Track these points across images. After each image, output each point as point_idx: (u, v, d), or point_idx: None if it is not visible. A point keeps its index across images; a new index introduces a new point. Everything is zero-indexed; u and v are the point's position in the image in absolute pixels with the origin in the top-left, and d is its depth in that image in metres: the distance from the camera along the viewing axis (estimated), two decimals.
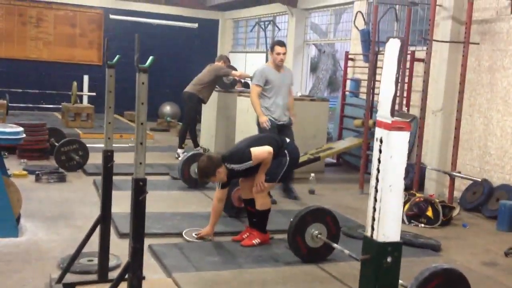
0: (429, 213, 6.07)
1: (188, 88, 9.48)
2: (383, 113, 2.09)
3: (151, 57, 2.81)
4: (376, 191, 2.04)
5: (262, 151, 4.80)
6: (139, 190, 2.84)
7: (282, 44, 6.74)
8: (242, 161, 4.78)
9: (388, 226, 2.07)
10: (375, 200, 2.05)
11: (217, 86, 9.94)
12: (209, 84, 9.44)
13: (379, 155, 2.05)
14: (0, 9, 13.62)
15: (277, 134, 6.86)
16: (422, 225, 6.02)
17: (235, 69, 10.08)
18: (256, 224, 5.01)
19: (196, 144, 9.76)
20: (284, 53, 6.66)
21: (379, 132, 2.06)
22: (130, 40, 14.91)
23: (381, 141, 2.03)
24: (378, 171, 2.05)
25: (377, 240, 2.10)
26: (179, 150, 9.47)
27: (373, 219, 2.03)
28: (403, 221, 6.02)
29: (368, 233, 2.14)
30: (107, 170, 3.65)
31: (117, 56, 3.69)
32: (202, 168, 4.80)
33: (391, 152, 2.00)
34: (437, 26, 7.59)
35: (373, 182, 2.09)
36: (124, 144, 9.69)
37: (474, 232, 5.96)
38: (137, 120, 2.80)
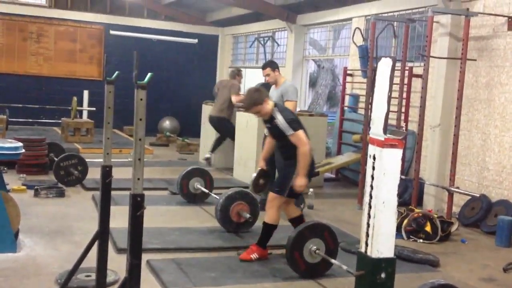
0: (428, 228, 6.08)
1: (213, 112, 9.73)
2: (376, 130, 2.12)
3: (149, 74, 2.84)
4: (370, 207, 2.07)
5: (304, 141, 4.71)
6: (137, 205, 2.85)
7: (262, 67, 7.03)
8: (287, 122, 4.70)
9: (382, 242, 2.08)
10: (369, 216, 2.07)
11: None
12: (230, 102, 9.63)
13: (372, 172, 2.07)
14: (1, 24, 13.72)
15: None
16: (421, 240, 6.01)
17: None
18: (259, 237, 4.99)
19: (213, 149, 9.91)
20: (267, 74, 6.85)
21: (372, 149, 2.09)
22: (130, 56, 15.03)
23: (374, 158, 2.05)
24: (372, 187, 2.07)
25: (371, 256, 2.12)
26: (208, 154, 9.82)
27: (367, 235, 2.05)
28: (401, 237, 6.02)
29: (362, 249, 2.15)
30: (106, 186, 3.67)
31: (116, 72, 3.72)
32: (252, 93, 4.80)
33: (384, 169, 2.02)
34: (435, 43, 7.65)
35: (366, 198, 2.11)
36: (124, 159, 9.70)
37: (473, 248, 5.96)
38: (135, 136, 2.83)
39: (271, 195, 4.93)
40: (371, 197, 2.09)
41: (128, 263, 2.89)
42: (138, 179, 2.84)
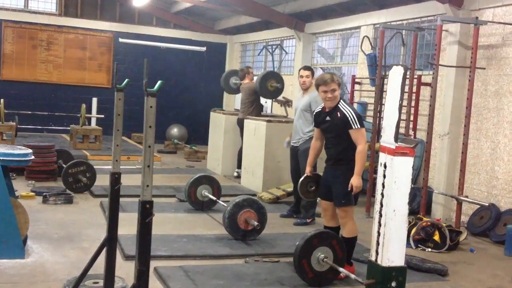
0: (436, 237, 6.04)
1: (239, 115, 9.83)
2: (387, 138, 2.12)
3: (159, 82, 2.86)
4: (381, 215, 2.06)
5: (365, 139, 4.70)
6: (145, 212, 2.85)
7: (305, 68, 7.04)
8: (356, 116, 4.66)
9: (393, 250, 2.07)
10: (380, 224, 2.06)
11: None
12: (250, 103, 9.69)
13: (383, 180, 2.07)
14: (12, 32, 13.83)
15: (293, 158, 6.90)
16: (429, 249, 5.98)
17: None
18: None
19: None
20: (307, 76, 6.81)
21: (383, 157, 2.08)
22: (139, 63, 15.08)
23: (385, 166, 2.05)
24: (382, 195, 2.07)
25: (382, 264, 2.10)
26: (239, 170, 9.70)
27: (378, 243, 2.04)
28: (410, 246, 5.99)
29: (373, 258, 2.14)
30: (114, 193, 3.68)
31: (126, 80, 3.74)
32: (325, 74, 4.83)
33: (395, 177, 2.01)
34: (444, 51, 7.64)
35: (377, 206, 2.11)
36: (132, 166, 9.73)
37: (481, 257, 5.91)
38: (145, 143, 2.84)
39: (341, 210, 4.74)
40: (381, 205, 2.08)
41: (136, 270, 2.89)
42: (147, 186, 2.85)
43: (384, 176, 2.05)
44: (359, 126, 4.63)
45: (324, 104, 4.87)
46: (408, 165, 2.08)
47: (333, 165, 4.82)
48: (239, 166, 9.74)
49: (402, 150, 2.03)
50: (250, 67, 10.27)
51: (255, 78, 10.23)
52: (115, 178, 3.66)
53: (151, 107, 2.82)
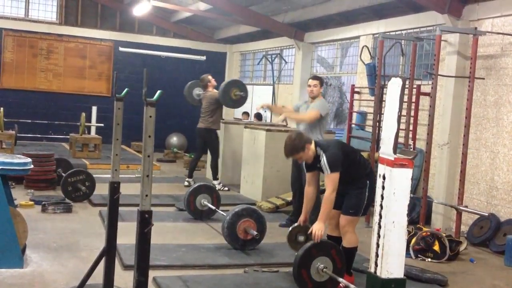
0: (436, 247, 6.02)
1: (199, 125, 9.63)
2: (386, 150, 2.12)
3: (158, 91, 2.86)
4: (380, 227, 2.05)
5: (333, 186, 4.50)
6: (144, 222, 2.85)
7: (313, 77, 7.10)
8: (324, 161, 4.52)
9: (392, 262, 2.06)
10: (379, 236, 2.05)
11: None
12: (211, 112, 9.51)
13: (382, 191, 2.06)
14: (12, 41, 13.87)
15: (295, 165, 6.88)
16: (429, 259, 5.96)
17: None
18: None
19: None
20: (315, 85, 6.86)
21: (382, 168, 2.08)
22: (139, 72, 15.10)
23: (383, 178, 2.04)
24: (381, 207, 2.06)
25: (381, 276, 2.09)
26: (216, 182, 9.48)
27: (377, 255, 2.04)
28: (409, 256, 5.97)
29: (372, 269, 2.13)
30: (113, 202, 3.68)
31: (126, 89, 3.75)
32: (292, 141, 4.64)
33: (394, 188, 2.01)
34: (443, 61, 7.66)
35: (376, 218, 2.10)
36: (131, 175, 9.73)
37: (481, 267, 5.90)
38: (144, 152, 2.84)
39: (346, 218, 4.67)
40: (380, 216, 2.08)
41: (135, 280, 2.88)
42: (146, 195, 2.86)
43: (383, 188, 2.05)
44: (329, 172, 4.53)
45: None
46: (407, 176, 2.08)
47: (353, 180, 4.68)
48: (191, 176, 9.64)
49: (401, 161, 2.03)
50: (210, 75, 10.00)
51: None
52: (114, 187, 3.66)
53: (150, 116, 2.83)
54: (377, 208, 2.15)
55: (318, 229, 4.46)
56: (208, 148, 9.69)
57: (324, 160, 4.56)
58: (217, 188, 9.10)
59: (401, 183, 2.02)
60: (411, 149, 7.73)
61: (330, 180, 4.53)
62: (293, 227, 4.98)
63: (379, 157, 2.21)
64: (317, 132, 6.68)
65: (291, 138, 4.69)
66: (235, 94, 9.47)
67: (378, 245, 2.07)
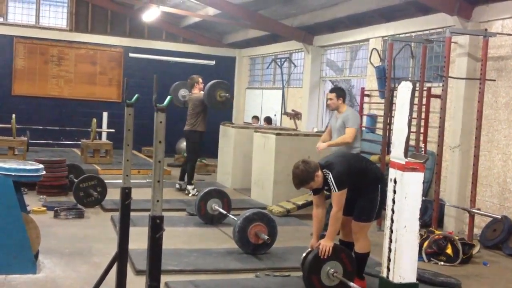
0: (449, 250, 5.98)
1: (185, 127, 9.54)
2: (397, 154, 2.11)
3: (168, 97, 2.88)
4: (391, 231, 2.05)
5: (339, 205, 4.49)
6: (156, 227, 2.86)
7: (330, 90, 6.99)
8: (331, 180, 4.47)
9: (404, 267, 2.05)
10: (390, 240, 2.04)
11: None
12: (196, 115, 9.42)
13: (394, 196, 2.06)
14: (23, 48, 13.99)
15: None
16: (442, 263, 5.92)
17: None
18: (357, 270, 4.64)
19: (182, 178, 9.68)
20: (330, 98, 6.74)
21: (393, 172, 2.08)
22: (149, 78, 15.14)
23: (395, 182, 2.04)
24: (393, 211, 2.05)
25: (393, 281, 2.08)
26: (190, 187, 9.40)
27: (389, 259, 2.03)
28: (422, 259, 5.94)
29: (384, 274, 2.12)
30: (125, 207, 3.69)
31: (136, 95, 3.77)
32: (300, 172, 4.53)
33: (406, 192, 2.00)
34: (453, 63, 7.62)
35: (388, 222, 2.09)
36: (142, 180, 9.76)
37: (495, 270, 5.85)
38: (155, 158, 2.85)
39: (357, 224, 4.67)
40: (392, 221, 2.07)
41: (147, 285, 2.89)
42: (157, 201, 2.86)
43: (395, 192, 2.04)
44: (336, 190, 4.49)
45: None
46: (419, 180, 2.07)
47: (366, 188, 4.66)
48: (183, 179, 9.54)
49: (412, 165, 2.02)
50: (199, 76, 9.86)
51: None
52: (126, 193, 3.68)
53: (160, 122, 2.84)
54: (388, 212, 2.14)
55: (326, 245, 4.44)
56: (189, 149, 9.61)
57: (331, 179, 4.51)
58: (190, 194, 9.12)
59: (412, 187, 2.01)
60: (422, 152, 7.69)
61: (337, 198, 4.50)
62: (306, 252, 4.79)
63: (390, 161, 2.19)
64: (358, 141, 6.66)
65: (299, 168, 4.55)
66: (220, 95, 9.40)
67: (390, 250, 2.06)
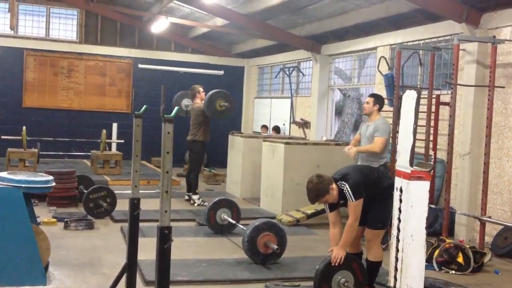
0: (460, 259, 5.94)
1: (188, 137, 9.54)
2: (402, 162, 2.10)
3: (176, 108, 2.89)
4: (398, 240, 2.04)
5: (355, 215, 4.51)
6: (164, 238, 2.87)
7: (370, 94, 6.97)
8: (348, 190, 4.48)
9: (411, 276, 2.04)
10: (397, 250, 2.03)
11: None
12: (198, 125, 9.41)
13: (400, 205, 2.05)
14: (33, 60, 14.13)
15: None
16: (453, 271, 5.87)
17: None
18: (368, 278, 4.63)
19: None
20: (367, 102, 6.73)
21: (398, 181, 2.07)
22: (158, 88, 15.16)
23: (401, 191, 2.03)
24: (399, 220, 2.05)
25: None
26: (195, 196, 9.40)
27: (396, 269, 2.02)
28: (433, 268, 5.90)
29: (391, 284, 2.11)
30: (134, 218, 3.70)
31: (144, 106, 3.79)
32: (315, 186, 4.48)
33: (412, 201, 2.00)
34: (462, 70, 7.60)
35: (394, 231, 2.09)
36: (151, 191, 9.78)
37: (507, 279, 5.79)
38: (163, 168, 2.86)
39: (372, 232, 4.69)
40: (399, 230, 2.06)
41: None
42: (166, 211, 2.87)
43: (401, 201, 2.04)
44: (353, 200, 4.49)
45: None
46: (424, 189, 2.06)
47: (380, 194, 4.70)
48: (190, 190, 9.45)
49: (417, 174, 2.02)
50: (200, 85, 9.82)
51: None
52: (134, 203, 3.69)
53: (168, 133, 2.85)
54: (395, 221, 2.14)
55: (339, 254, 4.42)
56: (191, 159, 9.60)
57: (347, 189, 4.50)
58: (196, 204, 9.13)
59: (418, 196, 2.01)
60: (432, 160, 7.66)
61: (354, 208, 4.50)
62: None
63: (396, 170, 2.19)
64: (386, 151, 6.58)
65: (312, 182, 4.51)
66: (220, 105, 9.38)
67: (397, 259, 2.05)
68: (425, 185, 2.03)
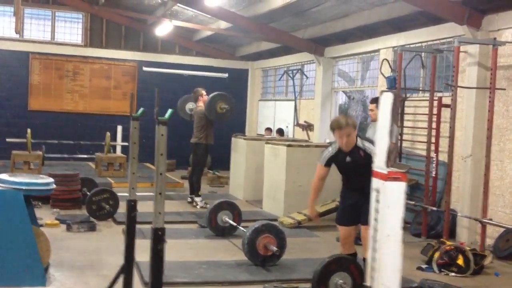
0: (460, 261, 5.93)
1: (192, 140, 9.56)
2: (379, 163, 2.13)
3: (169, 110, 2.92)
4: (375, 241, 2.06)
5: None
6: (158, 239, 2.90)
7: (371, 101, 7.06)
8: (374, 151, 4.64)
9: (387, 276, 2.06)
10: (374, 250, 2.06)
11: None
12: (201, 128, 9.43)
13: (377, 205, 2.07)
14: (39, 63, 14.23)
15: None
16: (453, 274, 5.86)
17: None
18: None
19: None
20: (371, 109, 6.79)
21: (375, 182, 2.10)
22: (162, 91, 15.18)
23: (377, 191, 2.05)
24: (376, 221, 2.07)
25: None
26: (198, 198, 9.43)
27: (372, 269, 2.04)
28: (433, 270, 5.90)
29: (368, 283, 2.14)
30: (131, 220, 3.73)
31: (141, 109, 3.82)
32: (344, 116, 4.74)
33: (388, 202, 2.02)
34: (464, 72, 7.60)
35: (371, 232, 2.11)
36: (154, 193, 9.79)
37: (507, 281, 5.77)
38: (157, 170, 2.89)
39: (367, 228, 4.66)
40: (375, 230, 2.09)
41: None
42: (159, 213, 2.90)
43: (377, 201, 2.06)
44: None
45: (341, 147, 4.78)
46: (401, 190, 2.08)
47: (362, 190, 4.65)
48: (193, 192, 9.45)
49: (394, 175, 2.04)
50: (203, 88, 9.84)
51: None
52: (131, 205, 3.72)
53: (162, 135, 2.88)
54: (372, 222, 2.16)
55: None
56: (194, 161, 9.62)
57: (371, 147, 4.58)
58: (199, 206, 9.14)
59: (394, 197, 2.03)
60: (434, 162, 7.65)
61: None
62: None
63: (373, 171, 2.22)
64: None
65: (344, 115, 4.82)
66: (221, 107, 9.41)
67: (373, 259, 2.07)
68: (401, 186, 2.05)
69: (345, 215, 4.92)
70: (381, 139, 2.03)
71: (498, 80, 6.91)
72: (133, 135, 3.76)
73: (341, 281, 4.44)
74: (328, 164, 4.86)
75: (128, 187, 3.64)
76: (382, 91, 2.13)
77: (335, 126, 4.69)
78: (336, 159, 4.83)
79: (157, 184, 2.90)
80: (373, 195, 2.05)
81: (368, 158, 4.53)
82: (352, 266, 4.51)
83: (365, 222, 4.67)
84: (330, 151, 4.88)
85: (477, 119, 7.45)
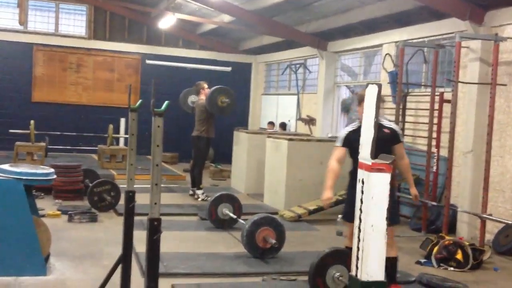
0: (459, 256, 5.94)
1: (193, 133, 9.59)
2: (364, 155, 2.15)
3: (166, 102, 2.94)
4: (359, 230, 2.09)
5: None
6: (153, 229, 2.92)
7: None
8: (399, 129, 4.79)
9: (371, 265, 2.09)
10: (359, 239, 2.08)
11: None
12: (202, 121, 9.45)
13: (361, 196, 2.10)
14: (42, 55, 14.27)
15: None
16: (452, 268, 5.88)
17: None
18: (390, 277, 4.49)
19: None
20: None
21: (360, 173, 2.12)
22: (166, 84, 15.20)
23: (362, 182, 2.08)
24: (361, 211, 2.10)
25: (361, 279, 2.15)
26: (199, 191, 9.46)
27: (357, 258, 2.07)
28: (432, 264, 5.92)
29: (353, 273, 2.17)
30: (129, 211, 3.76)
31: (140, 100, 3.85)
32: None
33: (372, 193, 2.04)
34: (465, 68, 7.59)
35: (356, 222, 2.13)
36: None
37: (505, 276, 5.79)
38: (153, 161, 2.92)
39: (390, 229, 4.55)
40: (360, 220, 2.11)
41: (145, 286, 2.95)
42: (155, 203, 2.93)
43: (362, 192, 2.08)
44: (402, 139, 4.76)
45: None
46: (385, 181, 2.11)
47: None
48: (195, 185, 9.47)
49: (378, 166, 2.06)
50: (205, 82, 9.85)
51: None
52: (130, 196, 3.75)
53: (158, 126, 2.90)
54: (357, 212, 2.19)
55: (416, 193, 4.91)
56: (195, 154, 9.65)
57: (397, 128, 4.74)
58: (200, 199, 9.19)
59: (379, 188, 2.05)
60: (435, 157, 7.66)
61: (403, 149, 4.78)
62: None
63: (358, 162, 2.24)
64: None
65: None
66: (222, 101, 9.39)
67: (358, 249, 2.10)
68: (385, 177, 2.07)
69: (351, 210, 4.87)
70: (366, 130, 2.06)
71: (499, 76, 6.90)
72: (132, 127, 3.78)
73: (337, 273, 4.46)
74: (346, 142, 4.54)
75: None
76: (368, 83, 2.15)
77: (363, 98, 4.61)
78: (357, 135, 4.68)
79: (153, 175, 2.92)
80: (358, 186, 2.08)
81: (391, 135, 4.59)
82: (349, 259, 4.52)
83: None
84: (349, 128, 4.63)
85: (478, 114, 7.44)
